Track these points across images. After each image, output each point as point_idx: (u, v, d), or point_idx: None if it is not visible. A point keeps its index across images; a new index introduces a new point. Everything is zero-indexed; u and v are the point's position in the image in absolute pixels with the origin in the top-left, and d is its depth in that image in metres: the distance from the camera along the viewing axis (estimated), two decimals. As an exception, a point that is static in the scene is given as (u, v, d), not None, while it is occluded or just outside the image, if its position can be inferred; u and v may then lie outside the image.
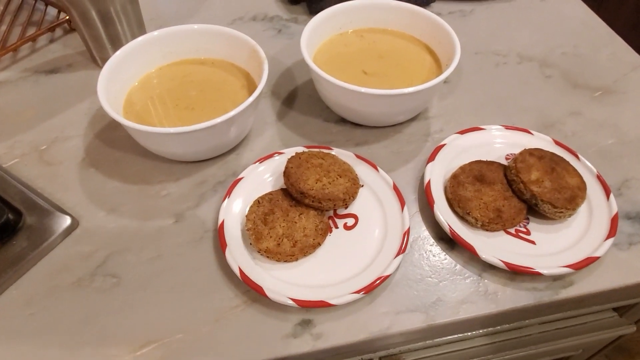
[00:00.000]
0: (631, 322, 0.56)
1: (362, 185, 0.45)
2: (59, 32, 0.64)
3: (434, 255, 0.41)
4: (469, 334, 0.47)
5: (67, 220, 0.43)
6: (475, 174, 0.44)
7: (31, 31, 0.62)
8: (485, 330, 0.46)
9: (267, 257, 0.39)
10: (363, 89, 0.44)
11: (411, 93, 0.45)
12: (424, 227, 0.43)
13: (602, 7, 1.78)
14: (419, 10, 0.53)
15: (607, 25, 0.64)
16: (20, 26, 0.62)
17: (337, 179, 0.43)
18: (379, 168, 0.46)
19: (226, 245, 0.40)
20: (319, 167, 0.43)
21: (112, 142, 0.50)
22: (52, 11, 0.65)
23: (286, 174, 0.43)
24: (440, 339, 0.45)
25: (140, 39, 0.49)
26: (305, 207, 0.42)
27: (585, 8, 0.68)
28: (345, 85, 0.44)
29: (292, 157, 0.44)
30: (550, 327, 0.51)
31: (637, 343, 1.16)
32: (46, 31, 0.61)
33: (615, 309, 0.54)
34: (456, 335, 0.46)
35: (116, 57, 0.47)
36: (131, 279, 0.40)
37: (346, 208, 0.43)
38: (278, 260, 0.40)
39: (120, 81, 0.48)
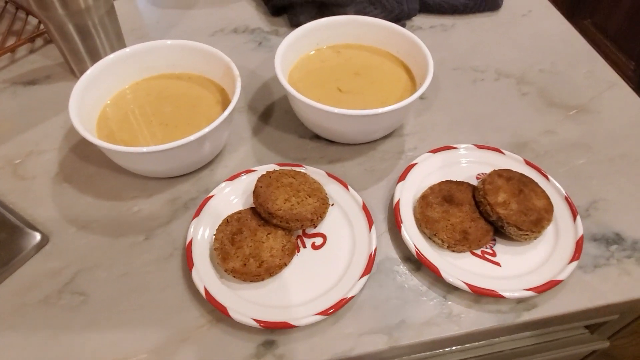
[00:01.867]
0: (603, 338, 0.56)
1: (332, 205, 0.45)
2: (39, 42, 0.64)
3: (400, 276, 0.42)
4: (439, 350, 0.47)
5: (36, 237, 0.43)
6: (444, 194, 0.44)
7: (11, 41, 0.62)
8: (455, 347, 0.47)
9: (234, 277, 0.40)
10: (336, 110, 0.44)
11: (384, 113, 0.45)
12: (392, 247, 0.44)
13: (595, 13, 1.79)
14: (395, 27, 0.53)
15: (587, 42, 0.65)
16: (1, 35, 0.62)
17: (306, 198, 0.43)
18: (349, 187, 0.46)
19: (193, 264, 0.40)
20: (288, 186, 0.43)
21: (86, 157, 0.50)
22: (33, 20, 0.66)
23: (255, 193, 0.43)
24: (408, 357, 0.46)
25: (114, 54, 0.49)
26: (274, 227, 0.42)
27: (566, 24, 0.68)
28: (318, 106, 0.45)
29: (262, 176, 0.44)
30: (521, 344, 0.51)
31: (622, 349, 1.17)
32: (25, 42, 0.61)
33: (586, 327, 0.54)
34: (425, 353, 0.46)
35: (90, 73, 0.47)
36: (99, 297, 0.40)
37: (315, 227, 0.44)
38: (244, 280, 0.40)
39: (95, 97, 0.48)
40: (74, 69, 0.58)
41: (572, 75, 0.60)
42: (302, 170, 0.47)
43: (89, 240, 0.44)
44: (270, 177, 0.44)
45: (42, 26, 0.64)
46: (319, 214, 0.42)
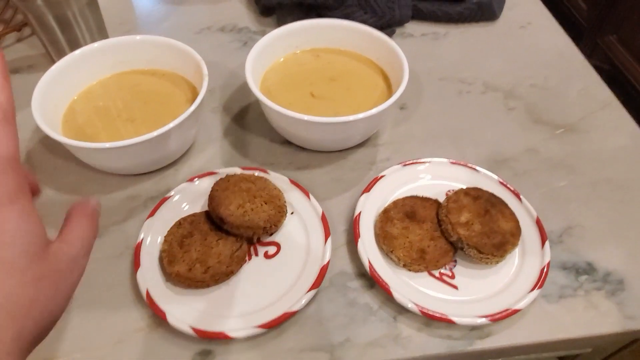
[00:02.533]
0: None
1: (292, 213, 0.44)
2: (27, 31, 0.64)
3: (352, 292, 0.40)
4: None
5: (-10, 227, 0.43)
6: (407, 210, 0.43)
7: None
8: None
9: (178, 281, 0.39)
10: (305, 117, 0.43)
11: (353, 121, 0.43)
12: (348, 261, 0.42)
13: (621, 29, 1.74)
14: (375, 33, 0.52)
15: (585, 58, 0.62)
16: (-9, 23, 0.63)
17: (261, 205, 0.42)
18: (310, 196, 0.44)
19: (139, 265, 0.39)
20: (245, 191, 0.42)
21: (54, 149, 0.50)
22: (25, 10, 0.66)
23: (210, 196, 0.42)
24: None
25: (82, 49, 0.49)
26: (226, 233, 0.41)
27: (565, 38, 0.65)
28: (285, 112, 0.43)
29: (221, 179, 0.43)
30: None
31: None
32: (11, 30, 0.61)
33: (560, 358, 0.51)
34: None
35: (57, 67, 0.47)
36: (44, 292, 0.40)
37: (269, 236, 0.42)
38: (189, 286, 0.39)
39: (62, 90, 0.48)
40: (54, 60, 0.58)
41: (565, 92, 0.58)
42: (265, 176, 0.45)
43: (43, 234, 0.43)
44: (228, 180, 0.43)
45: (30, 15, 0.64)
46: (273, 222, 0.41)
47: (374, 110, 0.43)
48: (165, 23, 0.66)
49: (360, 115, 0.43)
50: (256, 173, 0.46)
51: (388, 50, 0.50)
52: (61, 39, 0.55)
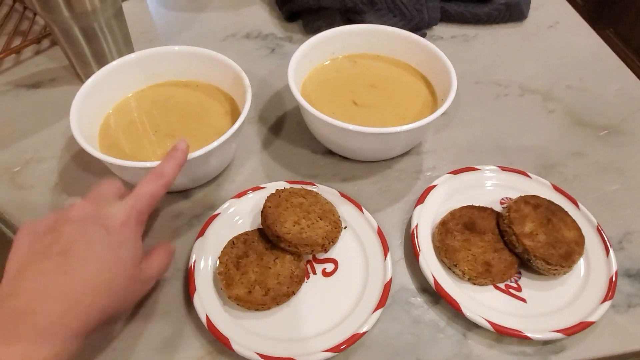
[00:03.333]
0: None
1: (345, 227, 0.42)
2: (45, 43, 0.62)
3: (416, 309, 0.39)
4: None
5: (31, 253, 0.41)
6: (466, 221, 0.41)
7: (17, 41, 0.60)
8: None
9: (238, 304, 0.37)
10: (351, 127, 0.41)
11: (403, 132, 0.42)
12: (408, 276, 0.41)
13: (619, 22, 1.75)
14: (415, 38, 0.50)
15: (619, 58, 0.61)
16: (7, 35, 0.60)
17: (317, 221, 0.40)
18: (363, 209, 0.43)
19: (195, 289, 0.38)
20: (298, 207, 0.41)
21: (87, 166, 0.48)
22: (41, 20, 0.64)
23: (263, 214, 0.40)
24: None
25: (118, 61, 0.46)
26: (282, 251, 0.39)
27: (596, 38, 0.64)
28: (332, 122, 0.42)
29: (272, 195, 0.41)
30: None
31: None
32: (31, 43, 0.59)
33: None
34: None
35: (93, 80, 0.45)
36: (93, 320, 0.38)
37: (326, 252, 0.41)
38: (249, 309, 0.37)
39: (97, 104, 0.46)
40: (79, 73, 0.56)
41: (602, 93, 0.57)
42: (314, 189, 0.44)
43: (86, 258, 0.41)
44: (279, 196, 0.41)
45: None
46: (331, 239, 0.40)
47: (424, 121, 0.42)
48: (188, 32, 0.64)
49: (410, 126, 0.42)
50: (304, 186, 0.44)
51: (430, 55, 0.49)
52: (87, 51, 0.53)
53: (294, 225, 0.39)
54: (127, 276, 0.32)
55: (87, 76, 0.54)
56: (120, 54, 0.55)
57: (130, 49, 0.57)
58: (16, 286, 0.29)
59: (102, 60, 0.54)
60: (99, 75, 0.45)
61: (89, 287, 0.29)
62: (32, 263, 0.30)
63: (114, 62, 0.46)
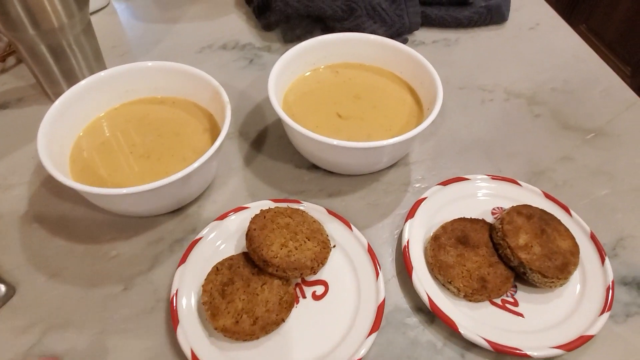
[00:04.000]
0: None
1: (334, 246, 0.41)
2: (11, 60, 0.59)
3: (412, 330, 0.37)
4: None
5: (1, 290, 0.38)
6: (458, 234, 0.40)
7: (-20, 60, 0.57)
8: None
9: (225, 335, 0.35)
10: (335, 142, 0.40)
11: (390, 145, 0.40)
12: (401, 295, 0.39)
13: (591, 18, 1.77)
14: (400, 46, 0.49)
15: (600, 59, 0.61)
16: (-31, 54, 0.57)
17: (305, 242, 0.38)
18: (352, 226, 0.41)
19: (178, 321, 0.36)
20: (285, 228, 0.39)
21: (59, 192, 0.45)
22: (4, 36, 0.60)
23: (249, 237, 0.38)
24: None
25: (87, 80, 0.44)
26: (269, 275, 0.37)
27: (577, 38, 0.64)
28: (317, 137, 0.40)
29: (256, 216, 0.40)
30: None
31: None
32: (-5, 62, 0.56)
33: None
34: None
35: (60, 102, 0.42)
36: (70, 360, 0.35)
37: (315, 274, 0.39)
38: (236, 340, 0.35)
39: (67, 127, 0.43)
40: (48, 92, 0.53)
41: (587, 95, 0.56)
42: (301, 208, 0.42)
43: (60, 292, 0.39)
44: (264, 217, 0.39)
45: (13, 43, 0.59)
46: (320, 260, 0.38)
47: (411, 133, 0.41)
48: (162, 44, 0.62)
49: (398, 139, 0.40)
50: (290, 205, 0.42)
51: (414, 63, 0.48)
52: (55, 69, 0.50)
53: (281, 248, 0.37)
54: None
55: (57, 95, 0.52)
56: (91, 71, 0.53)
57: (101, 65, 0.55)
58: None
59: (71, 78, 0.52)
60: (68, 95, 0.43)
61: None
62: None
63: (84, 81, 0.44)
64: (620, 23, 1.63)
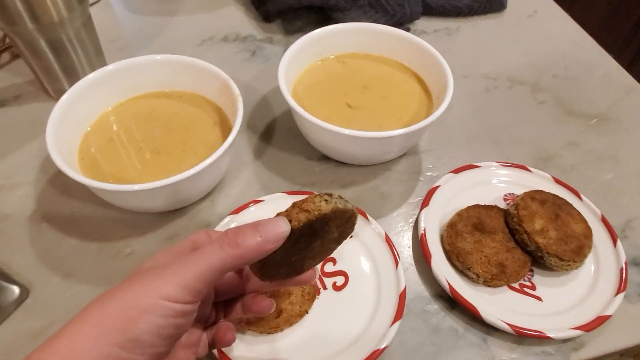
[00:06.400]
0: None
1: (351, 237, 0.41)
2: (5, 56, 0.57)
3: (433, 317, 0.38)
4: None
5: (14, 291, 0.37)
6: (474, 221, 0.40)
7: (-27, 56, 0.55)
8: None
9: (249, 329, 0.35)
10: (347, 131, 0.40)
11: (401, 135, 0.40)
12: (420, 283, 0.40)
13: (575, 5, 1.79)
14: (407, 36, 0.49)
15: (598, 44, 0.62)
16: (-39, 51, 0.55)
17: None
18: (369, 217, 0.41)
19: (201, 316, 0.35)
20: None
21: (67, 190, 0.44)
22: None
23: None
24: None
25: (94, 74, 0.43)
26: (290, 268, 0.37)
27: (574, 25, 0.65)
28: (329, 127, 0.40)
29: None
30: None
31: None
32: (-10, 58, 0.54)
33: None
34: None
35: (67, 97, 0.41)
36: (91, 360, 0.35)
37: (334, 265, 0.39)
38: (261, 333, 0.35)
39: (74, 123, 0.42)
40: (47, 88, 0.52)
41: (587, 81, 0.57)
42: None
43: (75, 292, 0.38)
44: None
45: (8, 39, 0.57)
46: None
47: (422, 123, 0.41)
48: (161, 38, 0.61)
49: (412, 128, 0.40)
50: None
51: (422, 52, 0.48)
52: (55, 64, 0.49)
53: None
54: None
55: (57, 91, 0.51)
56: (92, 66, 0.51)
57: (101, 60, 0.53)
58: None
59: (72, 74, 0.50)
60: (75, 90, 0.42)
61: None
62: None
63: (91, 75, 0.43)
64: (603, 11, 1.66)
